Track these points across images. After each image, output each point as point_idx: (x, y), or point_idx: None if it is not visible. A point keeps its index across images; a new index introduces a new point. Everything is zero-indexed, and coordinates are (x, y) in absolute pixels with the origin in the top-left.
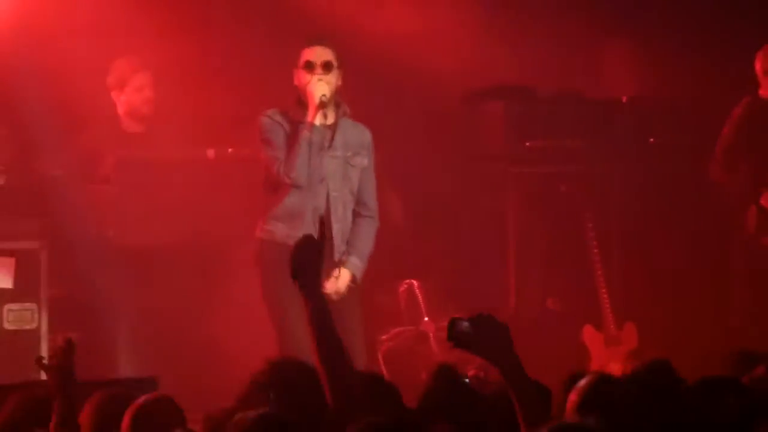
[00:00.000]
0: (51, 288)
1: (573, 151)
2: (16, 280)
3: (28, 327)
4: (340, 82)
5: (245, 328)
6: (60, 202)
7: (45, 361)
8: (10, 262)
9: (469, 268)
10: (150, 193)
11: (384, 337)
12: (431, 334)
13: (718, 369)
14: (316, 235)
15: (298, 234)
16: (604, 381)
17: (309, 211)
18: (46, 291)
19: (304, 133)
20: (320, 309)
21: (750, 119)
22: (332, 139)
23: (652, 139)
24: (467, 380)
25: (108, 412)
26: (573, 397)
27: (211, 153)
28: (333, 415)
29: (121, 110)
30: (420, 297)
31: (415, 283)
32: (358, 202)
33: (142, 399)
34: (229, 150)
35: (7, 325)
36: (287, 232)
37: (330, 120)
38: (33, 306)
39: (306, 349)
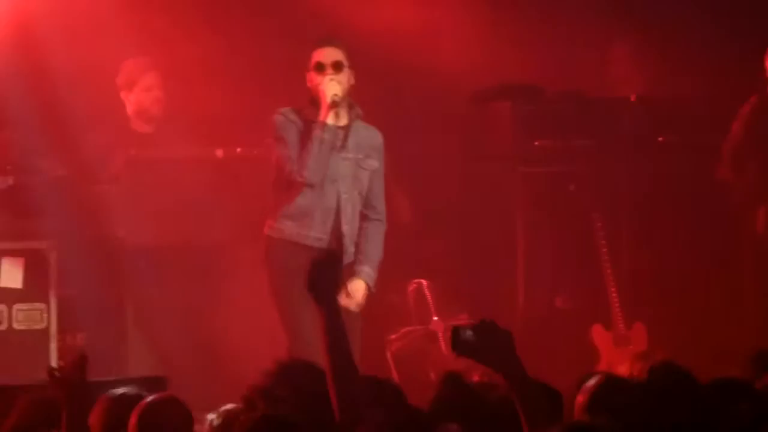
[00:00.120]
0: (60, 288)
1: (581, 151)
2: (25, 280)
3: (37, 327)
4: (352, 82)
5: (254, 328)
6: (69, 202)
7: (57, 373)
8: (19, 262)
9: (477, 267)
10: (158, 193)
11: (393, 336)
12: (440, 334)
13: (727, 370)
14: (326, 236)
15: (309, 233)
16: (611, 382)
17: (319, 211)
18: (55, 291)
19: (317, 132)
20: (335, 323)
21: (758, 118)
22: (345, 140)
23: (661, 138)
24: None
25: (117, 412)
26: (580, 399)
27: (219, 153)
28: (338, 424)
29: (130, 110)
30: (429, 296)
31: (424, 282)
32: (367, 204)
33: (149, 399)
34: (238, 150)
35: (16, 325)
36: (297, 231)
37: (343, 121)
38: (42, 306)
39: (315, 347)
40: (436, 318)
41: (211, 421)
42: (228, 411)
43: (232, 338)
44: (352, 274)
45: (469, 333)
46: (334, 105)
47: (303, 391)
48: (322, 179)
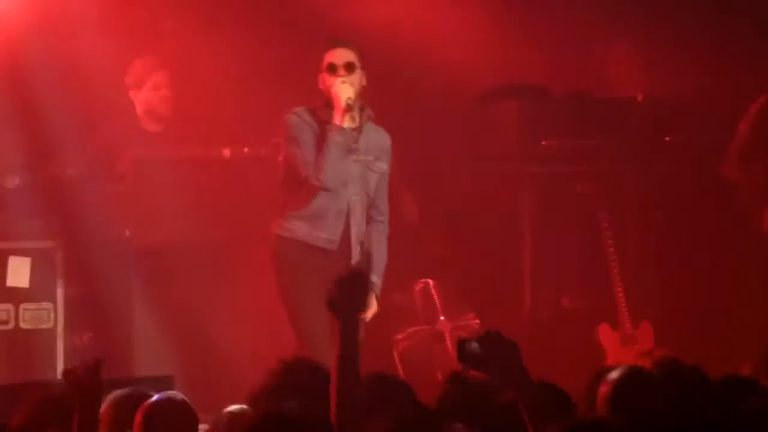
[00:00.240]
0: (67, 287)
1: (588, 150)
2: (32, 279)
3: (44, 326)
4: (364, 83)
5: (261, 327)
6: (76, 201)
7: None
8: (26, 261)
9: (484, 267)
10: (165, 193)
11: (400, 336)
12: (447, 333)
13: (734, 369)
14: (337, 237)
15: (320, 234)
16: (635, 374)
17: (333, 213)
18: (62, 290)
19: (333, 136)
20: (350, 340)
21: (766, 118)
22: (357, 142)
23: (667, 138)
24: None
25: (124, 411)
26: (604, 390)
27: (227, 152)
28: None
29: (139, 110)
30: (436, 296)
31: (430, 282)
32: (372, 205)
33: (154, 398)
34: (245, 149)
35: (23, 324)
36: (308, 231)
37: (355, 123)
38: (49, 305)
39: (322, 346)
40: (442, 318)
41: (218, 420)
42: (233, 411)
43: (239, 337)
44: None
45: (474, 345)
46: (348, 108)
47: (308, 390)
48: (338, 183)
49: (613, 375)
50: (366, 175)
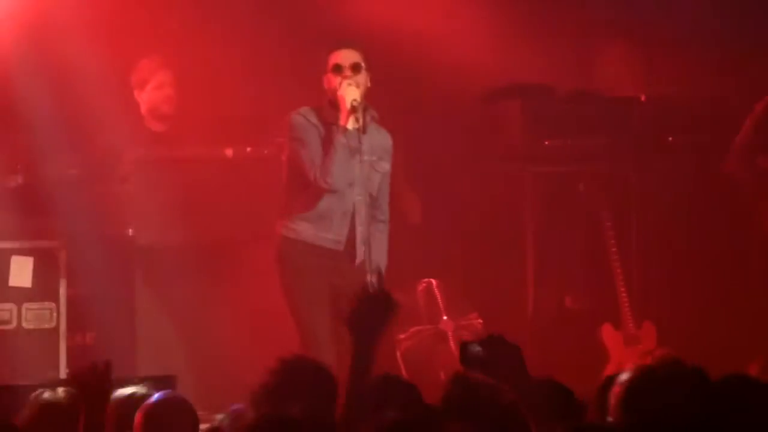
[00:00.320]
0: (70, 287)
1: (591, 150)
2: (35, 279)
3: (46, 326)
4: (368, 85)
5: (263, 327)
6: (78, 201)
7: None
8: (29, 261)
9: (487, 266)
10: (168, 193)
11: (402, 336)
12: (450, 333)
13: (738, 368)
14: (343, 238)
15: (327, 235)
16: (649, 375)
17: (338, 213)
18: (65, 290)
19: (340, 138)
20: (364, 356)
21: None
22: (361, 143)
23: (670, 138)
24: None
25: (126, 411)
26: (617, 390)
27: (229, 152)
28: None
29: (143, 109)
30: (439, 296)
31: (433, 282)
32: (375, 205)
33: (155, 399)
34: (248, 149)
35: (25, 324)
36: (314, 232)
37: (360, 124)
38: (51, 305)
39: (325, 346)
40: (445, 317)
41: (220, 421)
42: (235, 411)
43: (241, 337)
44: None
45: (477, 348)
46: (354, 110)
47: (308, 389)
48: (344, 184)
49: (625, 376)
50: (370, 175)
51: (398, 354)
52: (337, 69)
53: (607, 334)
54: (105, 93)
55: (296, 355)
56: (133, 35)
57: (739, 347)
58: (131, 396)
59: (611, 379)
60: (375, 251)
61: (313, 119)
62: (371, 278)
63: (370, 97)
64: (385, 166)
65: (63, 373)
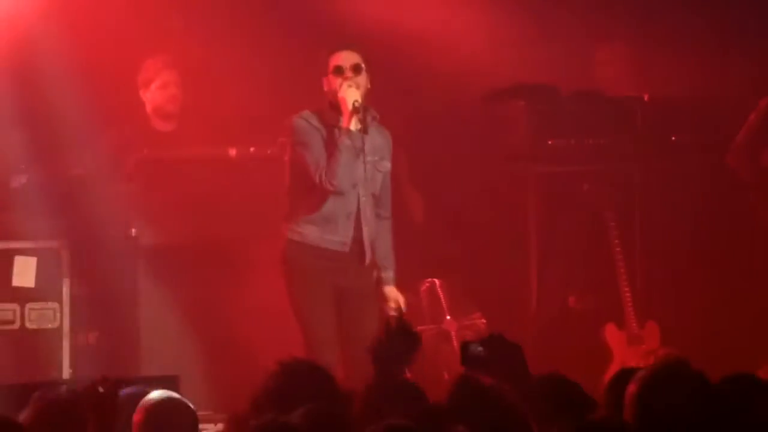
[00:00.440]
0: (73, 287)
1: (595, 150)
2: (38, 279)
3: (50, 326)
4: (368, 86)
5: (267, 327)
6: (82, 200)
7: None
8: (32, 261)
9: (491, 266)
10: (171, 192)
11: None
12: (453, 333)
13: (741, 368)
14: (349, 239)
15: (333, 237)
16: (665, 373)
17: (343, 215)
18: (68, 290)
19: (343, 140)
20: (385, 383)
21: None
22: (364, 144)
23: (674, 137)
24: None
25: (128, 411)
26: (632, 389)
27: (232, 152)
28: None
29: (148, 108)
30: (442, 296)
31: (437, 281)
32: (378, 203)
33: (154, 399)
34: (251, 149)
35: (29, 324)
36: (320, 235)
37: (361, 125)
38: (55, 305)
39: (330, 350)
40: (449, 317)
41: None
42: (236, 415)
43: (245, 337)
44: (379, 278)
45: (478, 348)
46: (356, 111)
47: (308, 391)
48: (348, 186)
49: (641, 373)
50: (373, 175)
51: None
52: (338, 70)
53: (611, 333)
54: (111, 93)
55: (295, 358)
56: (139, 35)
57: (743, 347)
58: (134, 395)
59: (622, 377)
60: (382, 248)
61: (315, 122)
62: (393, 313)
63: (375, 97)
64: (387, 165)
65: (66, 373)
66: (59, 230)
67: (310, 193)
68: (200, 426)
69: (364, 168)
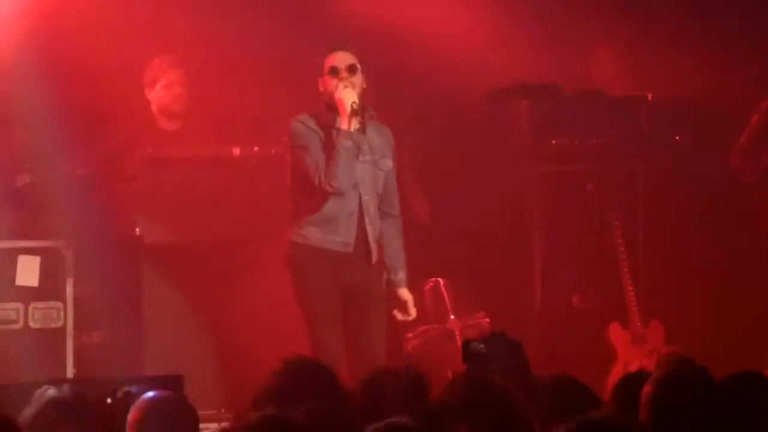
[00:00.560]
0: (77, 286)
1: (599, 149)
2: (42, 278)
3: (53, 325)
4: (364, 86)
5: (271, 327)
6: (86, 200)
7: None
8: (36, 260)
9: (495, 266)
10: (175, 192)
11: (410, 335)
12: (457, 333)
13: (746, 367)
14: (353, 240)
15: (336, 239)
16: (679, 372)
17: (344, 216)
18: (72, 289)
19: (342, 142)
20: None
21: None
22: (362, 143)
23: (678, 137)
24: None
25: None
26: (648, 389)
27: (236, 151)
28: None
29: (153, 108)
30: (446, 295)
31: (441, 281)
32: (384, 201)
33: (155, 398)
34: (255, 148)
35: (32, 324)
36: (322, 236)
37: (359, 125)
38: (58, 304)
39: (336, 351)
40: (453, 317)
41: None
42: (238, 413)
43: (249, 337)
44: (390, 280)
45: (480, 345)
46: (354, 113)
47: (311, 390)
48: (348, 186)
49: (656, 374)
50: (375, 174)
51: (405, 353)
52: (334, 71)
53: (615, 333)
54: (114, 92)
55: (299, 356)
56: (144, 34)
57: (747, 346)
58: (137, 395)
59: (631, 378)
60: (391, 246)
61: (313, 125)
62: (401, 317)
63: (377, 97)
64: (388, 163)
65: (70, 372)
66: (63, 230)
67: (311, 195)
68: (205, 425)
69: (364, 168)
